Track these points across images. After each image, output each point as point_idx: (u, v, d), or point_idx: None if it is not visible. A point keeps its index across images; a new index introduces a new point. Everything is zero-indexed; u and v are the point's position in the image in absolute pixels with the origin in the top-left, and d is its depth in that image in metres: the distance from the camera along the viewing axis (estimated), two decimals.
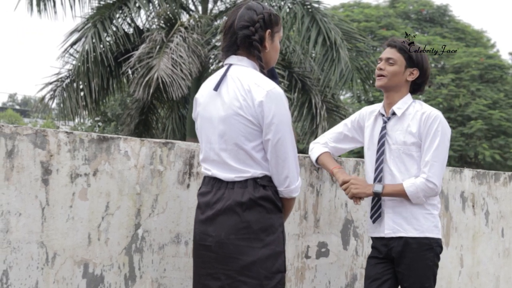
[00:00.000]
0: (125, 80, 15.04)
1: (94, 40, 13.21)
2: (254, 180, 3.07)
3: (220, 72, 3.21)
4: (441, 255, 4.21)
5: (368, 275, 3.89)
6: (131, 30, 14.43)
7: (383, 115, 3.90)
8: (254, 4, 3.21)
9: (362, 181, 3.82)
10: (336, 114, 15.00)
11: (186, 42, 13.37)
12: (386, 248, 3.84)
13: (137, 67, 13.31)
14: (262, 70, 3.16)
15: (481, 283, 5.29)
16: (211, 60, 14.33)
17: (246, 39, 3.15)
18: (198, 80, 14.58)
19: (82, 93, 14.27)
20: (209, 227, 3.10)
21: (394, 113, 3.85)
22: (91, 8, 14.12)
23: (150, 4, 14.40)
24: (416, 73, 3.84)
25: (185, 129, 15.46)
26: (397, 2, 29.37)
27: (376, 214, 3.84)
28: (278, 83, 3.18)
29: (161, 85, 12.49)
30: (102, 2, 14.20)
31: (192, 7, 15.66)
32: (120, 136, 3.42)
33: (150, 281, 3.47)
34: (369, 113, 3.99)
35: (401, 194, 3.74)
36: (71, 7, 14.38)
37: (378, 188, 3.76)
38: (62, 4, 14.33)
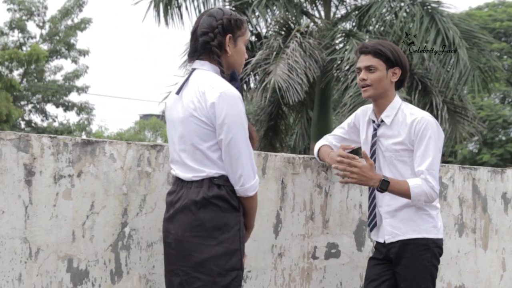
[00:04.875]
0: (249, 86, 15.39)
1: None
2: (210, 179, 3.18)
3: (185, 77, 3.36)
4: (477, 258, 4.08)
5: (367, 275, 3.91)
6: (253, 38, 14.78)
7: (373, 121, 3.86)
8: (215, 10, 3.33)
9: (370, 174, 3.66)
10: (460, 115, 14.61)
11: (302, 47, 13.53)
12: (385, 249, 3.83)
13: (257, 72, 13.67)
14: (223, 74, 3.27)
15: None
16: (333, 64, 14.34)
17: (205, 45, 3.27)
18: (318, 84, 14.69)
19: None
20: (170, 225, 3.25)
21: (383, 121, 3.80)
22: None
23: (269, 11, 14.66)
24: (398, 71, 3.77)
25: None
26: None
27: (372, 222, 3.85)
28: (238, 85, 3.27)
29: (277, 90, 12.73)
30: None
31: (315, 13, 15.77)
32: (106, 139, 3.63)
33: (138, 277, 3.65)
34: (363, 115, 3.95)
35: (403, 194, 3.66)
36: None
37: (383, 186, 3.64)
38: (188, 14, 15.00)
